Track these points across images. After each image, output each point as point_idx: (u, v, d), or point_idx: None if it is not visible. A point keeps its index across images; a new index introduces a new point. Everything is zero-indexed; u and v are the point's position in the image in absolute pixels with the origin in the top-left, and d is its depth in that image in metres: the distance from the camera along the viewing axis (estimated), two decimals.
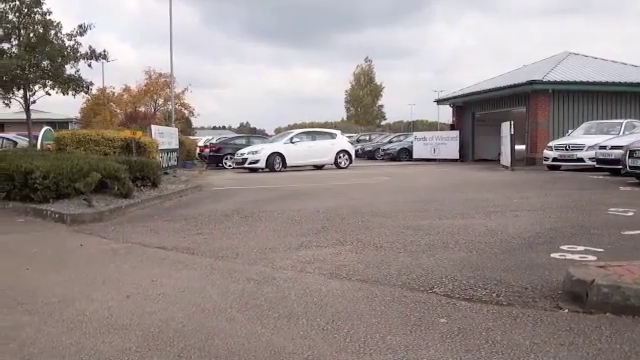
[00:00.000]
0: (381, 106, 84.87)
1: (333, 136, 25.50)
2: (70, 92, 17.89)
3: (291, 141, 23.65)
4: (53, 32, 17.08)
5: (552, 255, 5.72)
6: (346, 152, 24.83)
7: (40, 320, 4.05)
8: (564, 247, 6.05)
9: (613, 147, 15.67)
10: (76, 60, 17.46)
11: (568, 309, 4.01)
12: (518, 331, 3.64)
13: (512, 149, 20.94)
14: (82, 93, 18.84)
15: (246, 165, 22.85)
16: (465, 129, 30.25)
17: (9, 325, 3.95)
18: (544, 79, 23.64)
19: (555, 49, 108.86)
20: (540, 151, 21.55)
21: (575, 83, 23.88)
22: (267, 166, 22.43)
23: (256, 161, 22.58)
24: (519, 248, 6.16)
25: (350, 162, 24.73)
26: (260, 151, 22.90)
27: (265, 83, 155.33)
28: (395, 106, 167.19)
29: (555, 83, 23.72)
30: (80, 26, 17.32)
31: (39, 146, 16.45)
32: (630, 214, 8.45)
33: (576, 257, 5.59)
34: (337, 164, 24.22)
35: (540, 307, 4.11)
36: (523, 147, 24.65)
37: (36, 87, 17.35)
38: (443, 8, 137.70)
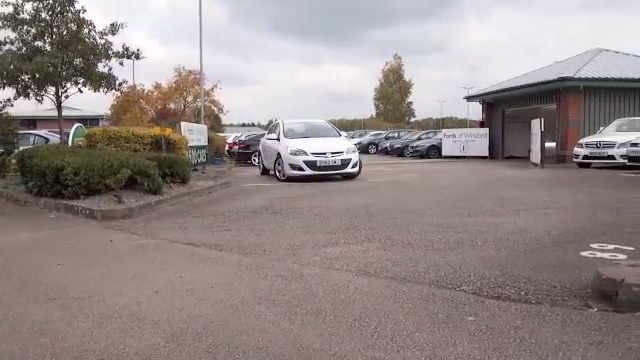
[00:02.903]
0: (410, 103, 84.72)
1: None
2: (102, 89, 18.12)
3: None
4: (86, 30, 17.30)
5: (582, 253, 5.64)
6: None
7: (71, 315, 4.13)
8: (594, 245, 5.97)
9: None
10: (108, 58, 17.67)
11: (597, 308, 3.96)
12: (546, 330, 3.60)
13: (542, 146, 20.67)
14: (113, 90, 19.07)
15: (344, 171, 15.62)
16: (495, 126, 29.92)
17: (41, 320, 4.04)
18: (575, 76, 23.26)
19: (589, 44, 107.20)
20: (570, 149, 21.21)
21: (607, 80, 23.46)
22: None
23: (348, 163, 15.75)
24: (548, 246, 6.09)
25: None
26: (348, 152, 15.90)
27: (295, 80, 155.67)
28: (425, 103, 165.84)
29: (586, 80, 23.31)
30: (112, 24, 17.54)
31: (70, 143, 16.71)
32: None
33: (606, 256, 5.51)
34: None
35: (569, 306, 4.06)
36: (553, 144, 24.30)
37: (68, 84, 17.60)
38: (474, 3, 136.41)
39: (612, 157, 18.17)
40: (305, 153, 15.34)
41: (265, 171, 18.15)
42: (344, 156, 15.51)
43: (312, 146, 15.60)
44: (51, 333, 3.75)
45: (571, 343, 3.36)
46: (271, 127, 19.80)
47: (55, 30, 16.92)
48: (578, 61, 26.47)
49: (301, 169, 15.26)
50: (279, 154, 15.98)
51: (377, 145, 41.50)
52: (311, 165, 15.25)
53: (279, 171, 15.91)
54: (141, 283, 5.01)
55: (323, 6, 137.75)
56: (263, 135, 31.42)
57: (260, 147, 19.10)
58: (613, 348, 3.28)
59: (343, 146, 16.02)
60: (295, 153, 15.46)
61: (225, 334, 3.64)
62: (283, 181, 15.30)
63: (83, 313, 4.16)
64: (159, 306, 4.29)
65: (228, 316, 4.02)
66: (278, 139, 16.58)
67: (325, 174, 15.32)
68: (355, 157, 15.84)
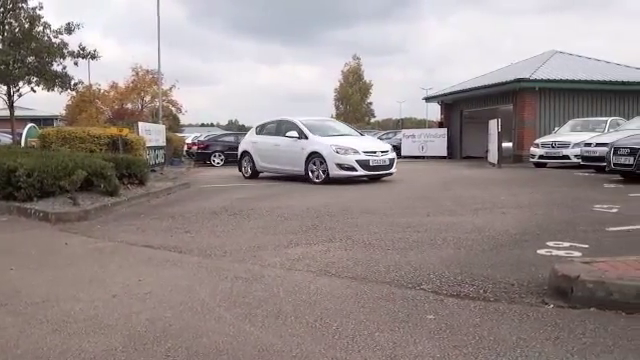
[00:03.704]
0: (370, 104, 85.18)
1: None
2: (56, 89, 17.73)
3: None
4: (41, 28, 16.90)
5: (538, 251, 5.76)
6: None
7: (24, 321, 4.00)
8: (550, 243, 6.10)
9: (598, 144, 15.79)
10: (63, 57, 17.30)
11: (554, 304, 4.05)
12: (505, 327, 3.66)
13: (499, 146, 21.02)
14: (68, 90, 18.69)
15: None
16: (453, 126, 30.35)
17: None
18: (531, 77, 23.79)
19: (545, 46, 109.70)
20: (527, 148, 21.66)
21: (561, 81, 24.06)
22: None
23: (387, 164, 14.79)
24: (506, 245, 6.19)
25: None
26: (391, 151, 15.35)
27: (254, 80, 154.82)
28: (384, 104, 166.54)
29: (542, 81, 23.88)
30: (68, 24, 17.17)
31: (23, 143, 16.30)
32: (614, 211, 8.51)
33: (562, 253, 5.63)
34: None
35: (526, 303, 4.14)
36: (510, 144, 24.77)
37: (20, 83, 17.16)
38: (433, 4, 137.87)
39: (567, 157, 18.63)
40: (357, 152, 14.13)
41: (255, 173, 16.73)
42: (390, 155, 14.82)
43: (361, 144, 14.58)
44: (3, 340, 3.63)
45: (528, 339, 3.42)
46: (261, 126, 17.33)
47: (7, 27, 16.49)
48: (534, 63, 27.10)
49: (352, 169, 14.02)
50: (315, 153, 14.51)
51: None
52: (364, 165, 14.09)
53: (312, 172, 14.50)
54: (98, 287, 4.90)
55: (281, 6, 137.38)
56: (223, 135, 31.40)
57: (248, 147, 17.03)
58: (569, 343, 3.35)
59: (386, 145, 15.56)
60: (343, 152, 14.12)
61: (185, 337, 3.59)
62: (318, 183, 14.11)
63: (37, 319, 4.03)
64: (117, 310, 4.20)
65: (188, 319, 3.96)
66: (300, 137, 15.09)
67: (376, 174, 14.57)
68: (395, 155, 15.29)
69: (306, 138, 14.95)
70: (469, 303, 4.17)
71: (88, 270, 5.55)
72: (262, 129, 17.27)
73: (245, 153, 17.18)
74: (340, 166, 14.02)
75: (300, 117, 16.30)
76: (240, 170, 17.31)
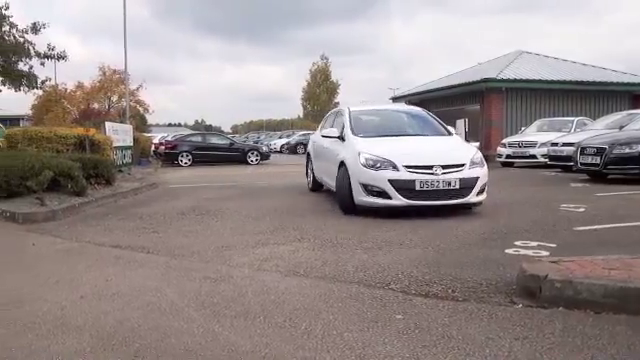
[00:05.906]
0: (337, 103, 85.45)
1: None
2: (22, 88, 17.41)
3: None
4: (7, 28, 16.58)
5: (506, 251, 5.81)
6: None
7: None
8: (518, 243, 6.16)
9: (565, 144, 16.04)
10: (29, 57, 17.01)
11: (522, 304, 4.08)
12: (473, 326, 3.68)
13: None
14: (35, 89, 18.38)
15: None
16: None
17: None
18: (497, 77, 24.09)
19: (511, 46, 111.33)
20: (493, 148, 21.92)
21: (527, 81, 24.43)
22: None
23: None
24: (474, 244, 6.25)
25: None
26: (472, 164, 8.54)
27: (221, 79, 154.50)
28: (351, 103, 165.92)
29: (508, 81, 24.21)
30: (34, 24, 16.88)
31: None
32: (581, 210, 8.64)
33: (530, 252, 5.69)
34: None
35: (495, 302, 4.17)
36: (477, 144, 25.02)
37: None
38: (399, 5, 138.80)
39: (534, 156, 18.90)
40: (392, 165, 8.25)
41: (317, 185, 11.87)
42: (466, 173, 8.34)
43: (404, 152, 8.56)
44: None
45: (497, 339, 3.44)
46: (326, 118, 12.50)
47: None
48: (500, 63, 27.46)
49: (384, 195, 8.19)
50: (343, 164, 8.97)
51: (306, 145, 41.66)
52: (404, 188, 8.09)
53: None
54: (65, 288, 4.82)
55: (247, 6, 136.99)
56: (191, 135, 31.10)
57: (310, 148, 12.63)
58: (537, 343, 3.38)
59: (463, 154, 8.80)
60: (372, 165, 8.37)
61: (153, 338, 3.55)
62: (347, 215, 8.64)
63: (3, 320, 3.94)
64: (84, 311, 4.14)
65: (156, 319, 3.92)
66: (340, 137, 9.80)
67: (430, 205, 8.22)
68: (484, 173, 8.60)
69: (343, 140, 9.75)
70: (438, 303, 4.19)
71: (56, 271, 5.47)
72: (325, 122, 12.21)
73: (308, 156, 12.60)
74: (367, 188, 8.34)
75: (364, 107, 11.80)
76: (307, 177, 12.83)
